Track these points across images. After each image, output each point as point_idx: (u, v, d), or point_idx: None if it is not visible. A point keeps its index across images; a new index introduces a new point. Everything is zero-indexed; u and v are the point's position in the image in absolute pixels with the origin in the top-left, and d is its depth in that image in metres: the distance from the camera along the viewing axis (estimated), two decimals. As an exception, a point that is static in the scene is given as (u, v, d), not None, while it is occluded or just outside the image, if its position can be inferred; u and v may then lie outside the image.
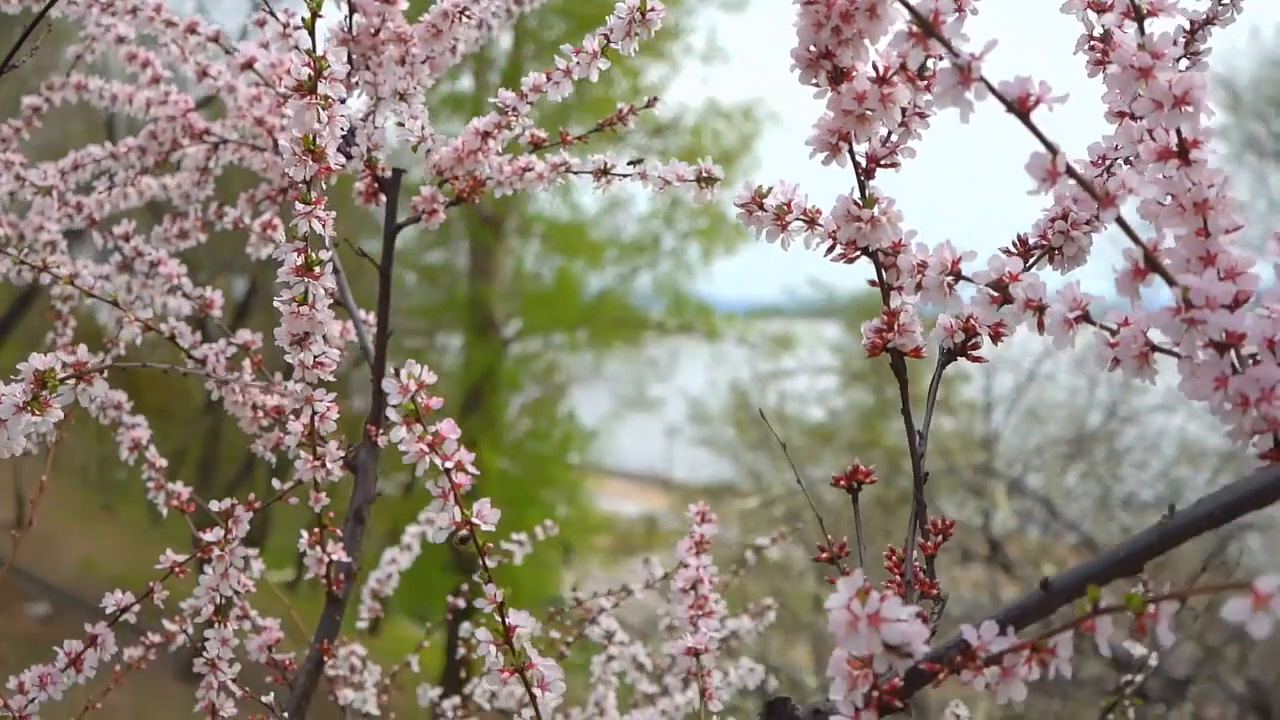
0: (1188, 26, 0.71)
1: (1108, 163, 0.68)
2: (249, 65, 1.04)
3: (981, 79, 0.50)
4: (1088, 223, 0.67)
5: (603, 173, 0.95)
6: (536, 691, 0.64)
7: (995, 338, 0.67)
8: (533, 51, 10.86)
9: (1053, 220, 0.68)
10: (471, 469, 0.63)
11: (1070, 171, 0.50)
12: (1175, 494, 6.79)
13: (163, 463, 1.08)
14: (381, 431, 0.94)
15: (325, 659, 0.98)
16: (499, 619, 0.64)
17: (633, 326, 12.01)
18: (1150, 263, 0.51)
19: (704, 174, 0.83)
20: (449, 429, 0.62)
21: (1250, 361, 0.51)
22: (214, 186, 1.20)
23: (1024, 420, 7.84)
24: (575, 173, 0.97)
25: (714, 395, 11.40)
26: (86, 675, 0.90)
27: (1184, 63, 0.72)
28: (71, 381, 0.66)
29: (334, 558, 0.96)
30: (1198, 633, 6.11)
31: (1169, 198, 0.54)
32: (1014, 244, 0.69)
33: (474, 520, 0.63)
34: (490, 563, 0.66)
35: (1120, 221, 0.51)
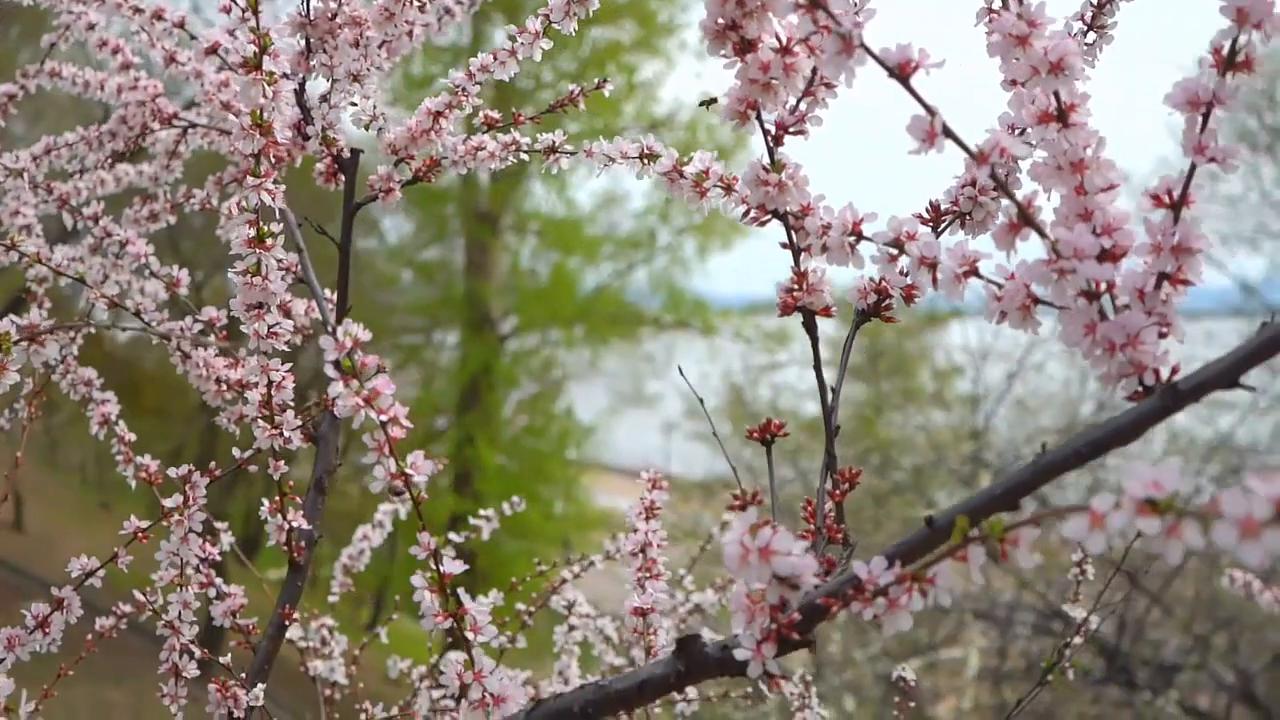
0: (1095, 1, 0.75)
1: (1016, 131, 0.72)
2: (213, 50, 1.07)
3: (863, 46, 0.53)
4: (995, 189, 0.70)
5: (551, 150, 0.99)
6: (469, 635, 0.67)
7: (908, 299, 0.71)
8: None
9: (962, 186, 0.72)
10: (406, 423, 0.66)
11: (947, 132, 0.53)
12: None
13: (132, 437, 1.11)
14: (338, 401, 0.97)
15: (286, 623, 1.01)
16: (434, 566, 0.68)
17: (629, 322, 12.05)
18: (1024, 217, 0.55)
19: (645, 151, 0.86)
20: (384, 385, 0.66)
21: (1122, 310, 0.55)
22: (183, 170, 1.24)
23: (1016, 412, 7.88)
24: (526, 151, 1.00)
25: (707, 390, 11.43)
26: (54, 638, 0.93)
27: (1091, 35, 0.75)
28: (25, 344, 0.69)
29: (294, 525, 1.00)
30: (1186, 621, 6.15)
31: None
32: (926, 209, 0.72)
33: (408, 472, 0.66)
34: (424, 521, 0.69)
35: (995, 179, 0.54)
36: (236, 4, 0.99)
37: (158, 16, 1.12)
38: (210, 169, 1.28)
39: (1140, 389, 0.53)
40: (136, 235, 1.13)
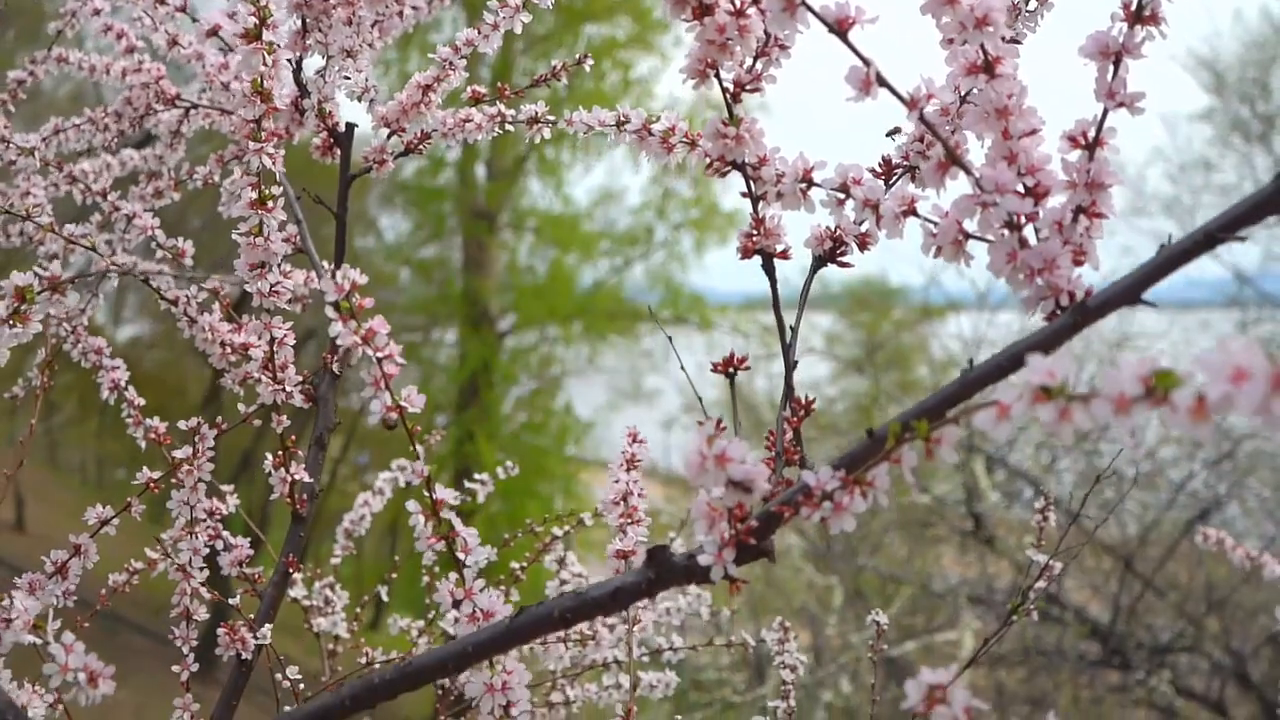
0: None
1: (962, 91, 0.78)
2: (214, 33, 1.13)
3: (804, 4, 0.59)
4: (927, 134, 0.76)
5: (534, 120, 1.05)
6: (460, 555, 0.73)
7: (862, 246, 0.76)
8: (523, 46, 10.94)
9: (913, 142, 0.77)
10: (400, 360, 0.72)
11: (881, 81, 0.59)
12: (1157, 469, 6.90)
13: (141, 401, 1.17)
14: (336, 358, 1.04)
15: (291, 571, 1.07)
16: (427, 493, 0.74)
17: (627, 318, 12.11)
18: (951, 157, 0.60)
19: (621, 118, 0.92)
20: (380, 324, 0.72)
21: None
22: (185, 149, 1.29)
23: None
24: (510, 123, 1.06)
25: (705, 384, 11.45)
26: (71, 584, 0.99)
27: (1033, 3, 0.81)
28: (47, 293, 0.75)
29: (297, 478, 1.06)
30: (1178, 604, 6.22)
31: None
32: (879, 163, 0.78)
33: (402, 404, 0.72)
34: (419, 448, 0.75)
35: (924, 122, 0.60)
36: (236, -13, 1.05)
37: (161, 1, 1.18)
38: (213, 148, 1.34)
39: (1056, 309, 0.59)
40: (143, 209, 1.19)
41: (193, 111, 1.29)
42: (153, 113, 1.28)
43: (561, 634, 1.25)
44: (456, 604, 0.73)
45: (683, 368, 1.02)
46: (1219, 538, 1.74)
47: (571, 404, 12.19)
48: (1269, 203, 0.54)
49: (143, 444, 1.15)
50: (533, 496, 10.33)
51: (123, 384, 1.19)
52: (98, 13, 1.29)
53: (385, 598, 1.48)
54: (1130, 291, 0.56)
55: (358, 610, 1.44)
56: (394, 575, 1.56)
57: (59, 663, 0.66)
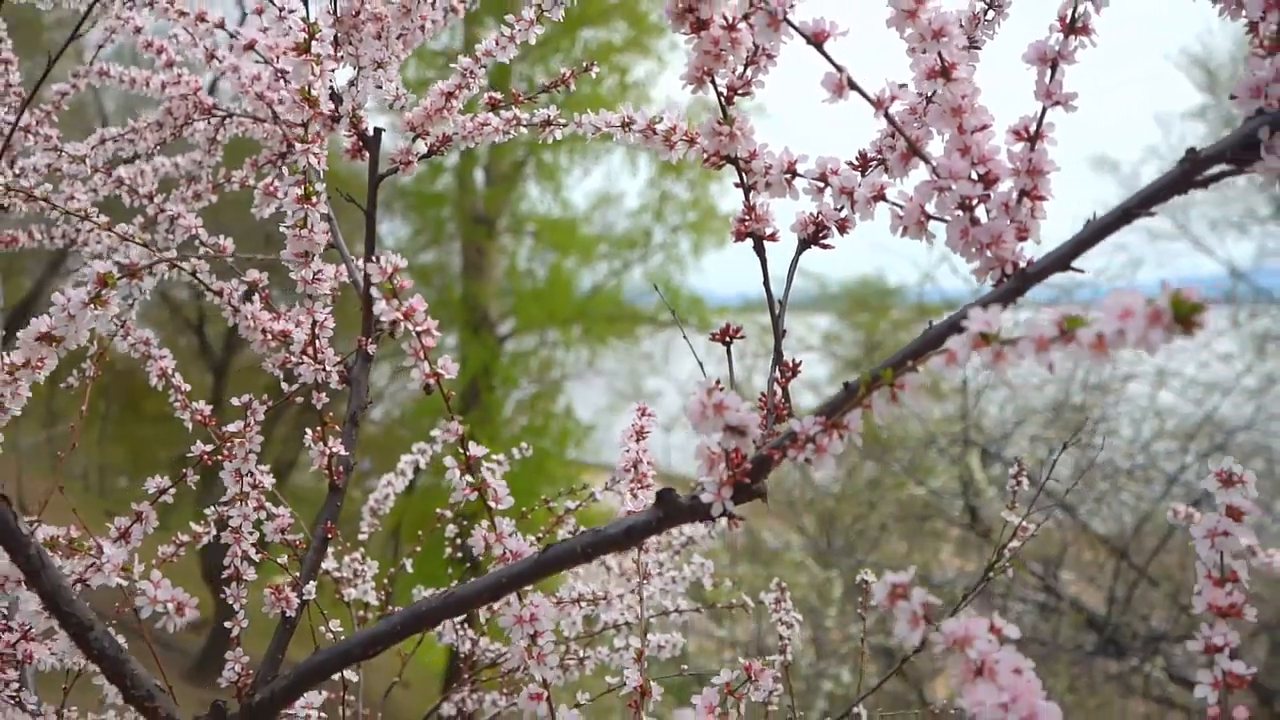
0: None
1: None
2: (250, 46, 1.24)
3: (786, 20, 0.69)
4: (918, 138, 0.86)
5: (546, 123, 1.15)
6: (491, 504, 0.84)
7: (841, 230, 0.87)
8: (520, 52, 11.07)
9: (884, 138, 0.88)
10: (436, 333, 0.82)
11: (852, 84, 0.70)
12: (1151, 461, 7.01)
13: (187, 387, 1.28)
14: (372, 341, 1.14)
15: (329, 536, 1.18)
16: (462, 450, 0.84)
17: (626, 321, 12.21)
18: (912, 149, 0.71)
19: (626, 120, 1.02)
20: (419, 303, 0.82)
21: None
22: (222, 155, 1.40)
23: (1007, 393, 8.06)
24: (525, 125, 1.17)
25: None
26: (135, 543, 1.09)
27: (990, 13, 0.91)
28: (126, 279, 0.85)
29: (334, 451, 1.16)
30: (1172, 592, 6.32)
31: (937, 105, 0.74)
32: (856, 157, 0.88)
33: (440, 371, 0.83)
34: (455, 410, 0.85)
35: (889, 119, 0.71)
36: (272, 3, 1.16)
37: (201, 19, 1.29)
38: (246, 154, 1.45)
39: (1003, 277, 0.70)
40: (186, 210, 1.29)
41: (228, 120, 1.39)
42: (191, 121, 1.38)
43: (577, 596, 1.36)
44: (488, 547, 0.83)
45: (700, 362, 1.13)
46: (1187, 513, 1.83)
47: (572, 407, 12.27)
48: (1176, 184, 0.64)
49: (189, 425, 1.26)
50: (535, 499, 10.42)
51: (170, 371, 1.30)
52: (139, 30, 1.39)
53: (410, 568, 1.59)
54: (1062, 260, 0.66)
55: (385, 580, 1.55)
56: (418, 549, 1.66)
57: (149, 596, 0.76)
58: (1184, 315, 0.47)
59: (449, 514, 1.64)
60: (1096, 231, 0.66)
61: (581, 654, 1.43)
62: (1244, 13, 0.67)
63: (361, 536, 1.59)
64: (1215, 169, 0.64)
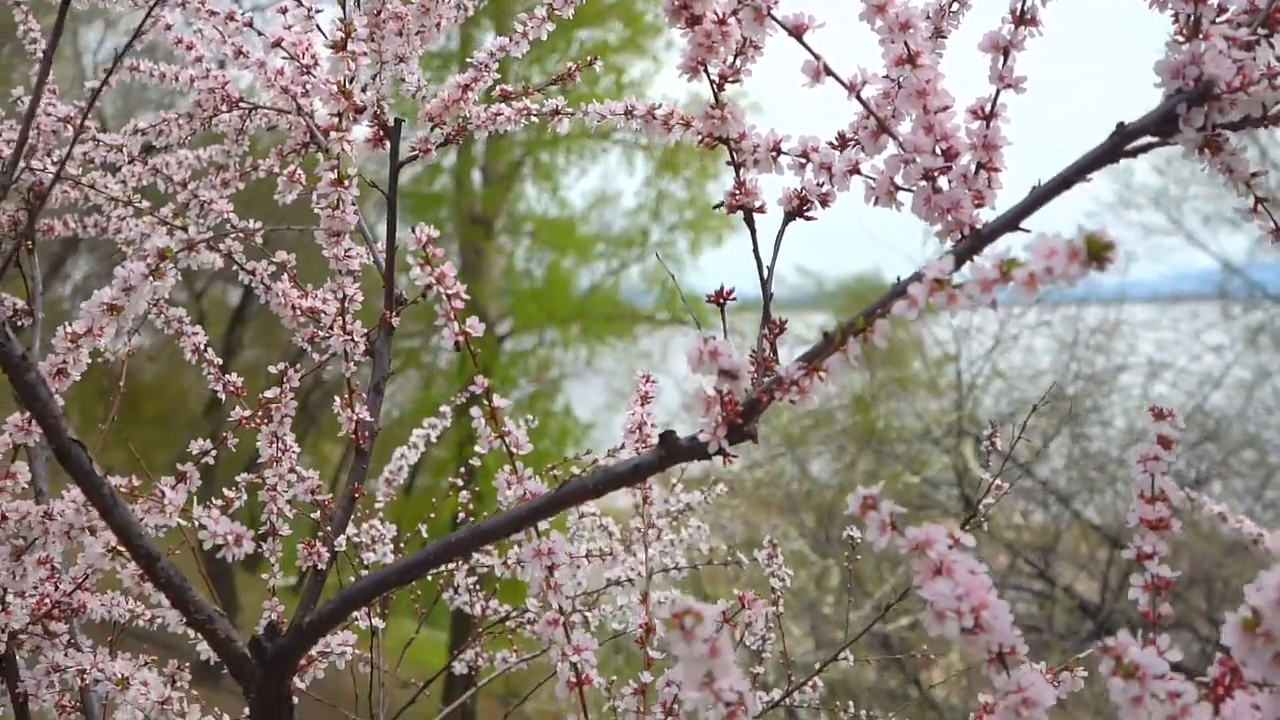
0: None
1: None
2: (278, 44, 1.33)
3: (770, 15, 0.79)
4: (890, 117, 0.96)
5: (555, 113, 1.25)
6: (513, 450, 0.94)
7: (823, 203, 0.97)
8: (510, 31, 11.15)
9: (860, 119, 0.98)
10: (464, 296, 0.92)
11: (828, 71, 0.80)
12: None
13: (219, 361, 1.37)
14: (395, 314, 1.24)
15: (356, 495, 1.27)
16: (487, 401, 0.94)
17: (624, 320, 12.31)
18: (881, 127, 0.81)
19: (629, 109, 1.12)
20: (449, 269, 0.92)
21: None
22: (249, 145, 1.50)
23: (1002, 384, 8.19)
24: (535, 115, 1.27)
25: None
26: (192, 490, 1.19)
27: (955, 5, 1.01)
28: (185, 251, 0.95)
29: (360, 417, 1.26)
30: (1164, 579, 6.42)
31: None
32: (836, 136, 0.98)
33: (468, 329, 0.92)
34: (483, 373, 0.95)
35: (861, 101, 0.81)
36: (300, 3, 1.26)
37: (230, 18, 1.38)
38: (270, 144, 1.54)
39: (961, 238, 0.80)
40: (218, 197, 1.39)
41: (254, 112, 1.49)
42: (219, 113, 1.48)
43: (585, 551, 1.46)
44: (509, 487, 0.93)
45: (723, 344, 1.22)
46: (1185, 495, 1.94)
47: (571, 406, 12.36)
48: (1107, 155, 0.74)
49: (222, 396, 1.36)
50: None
51: (202, 347, 1.39)
52: (169, 28, 1.49)
53: (425, 535, 1.69)
54: (1010, 223, 0.76)
55: (402, 545, 1.65)
56: (432, 515, 1.76)
57: (210, 530, 0.86)
58: (1096, 252, 0.57)
59: (459, 482, 1.74)
60: (1040, 197, 0.76)
61: (586, 613, 1.53)
62: (1170, 4, 0.76)
63: (378, 505, 1.69)
64: (1142, 141, 0.74)
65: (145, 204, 1.31)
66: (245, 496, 1.34)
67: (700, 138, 0.92)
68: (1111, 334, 8.22)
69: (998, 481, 1.39)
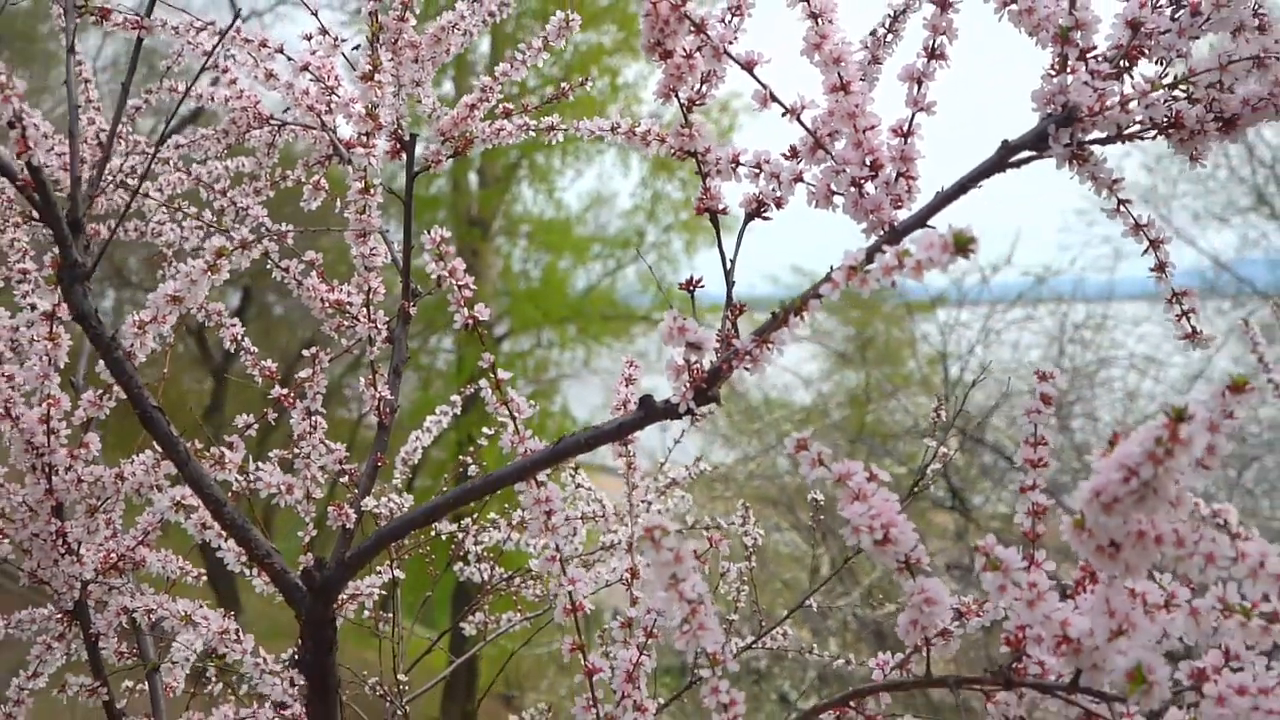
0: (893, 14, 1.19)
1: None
2: (305, 68, 1.51)
3: (726, 53, 0.97)
4: (830, 134, 1.14)
5: (552, 129, 1.43)
6: (516, 414, 1.12)
7: (778, 205, 1.15)
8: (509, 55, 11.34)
9: (805, 136, 1.16)
10: (472, 286, 1.10)
11: (772, 97, 0.98)
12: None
13: (255, 349, 1.55)
14: (412, 305, 1.42)
15: (379, 465, 1.45)
16: (493, 375, 1.12)
17: (620, 320, 12.48)
18: (817, 143, 0.99)
19: (615, 125, 1.30)
20: (460, 263, 1.10)
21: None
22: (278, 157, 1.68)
23: (995, 384, 8.38)
24: (534, 130, 1.45)
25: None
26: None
27: (890, 36, 1.19)
28: (239, 249, 1.13)
29: (382, 396, 1.44)
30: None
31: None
32: (788, 149, 1.16)
33: (476, 315, 1.10)
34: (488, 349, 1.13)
35: (800, 122, 0.99)
36: (324, 32, 1.44)
37: (263, 44, 1.56)
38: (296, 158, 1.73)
39: (884, 234, 0.98)
40: (253, 203, 1.57)
41: (283, 128, 1.67)
42: (251, 129, 1.66)
43: (580, 513, 1.64)
44: (514, 446, 1.11)
45: (690, 321, 1.40)
46: None
47: (568, 406, 12.52)
48: (994, 166, 0.92)
49: (259, 380, 1.53)
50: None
51: (240, 336, 1.57)
52: (208, 54, 1.67)
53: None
54: (919, 221, 0.94)
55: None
56: (444, 490, 1.93)
57: (266, 480, 1.04)
58: (962, 245, 0.75)
59: (470, 460, 1.92)
60: (941, 200, 0.94)
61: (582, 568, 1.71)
62: (1045, 45, 0.94)
63: (395, 482, 1.86)
64: (1023, 155, 0.92)
65: (193, 209, 1.48)
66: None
67: (673, 150, 1.10)
68: (1099, 329, 8.42)
69: (944, 450, 1.56)
